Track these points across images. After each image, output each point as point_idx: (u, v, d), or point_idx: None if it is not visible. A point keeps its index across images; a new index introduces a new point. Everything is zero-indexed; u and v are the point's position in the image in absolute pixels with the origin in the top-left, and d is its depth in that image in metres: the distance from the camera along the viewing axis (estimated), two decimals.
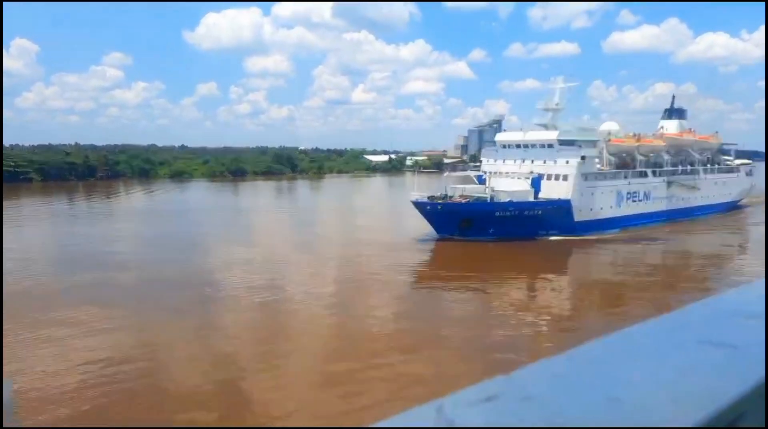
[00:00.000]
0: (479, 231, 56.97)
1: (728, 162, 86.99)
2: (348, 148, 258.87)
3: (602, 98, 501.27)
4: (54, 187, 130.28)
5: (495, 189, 60.08)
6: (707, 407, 1.17)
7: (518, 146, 65.87)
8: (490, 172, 66.85)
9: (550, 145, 62.89)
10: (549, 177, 62.06)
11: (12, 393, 0.98)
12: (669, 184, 72.45)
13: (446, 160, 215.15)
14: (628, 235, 64.01)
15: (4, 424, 0.90)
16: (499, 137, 68.63)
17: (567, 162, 61.56)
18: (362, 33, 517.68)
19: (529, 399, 1.21)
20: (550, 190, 60.96)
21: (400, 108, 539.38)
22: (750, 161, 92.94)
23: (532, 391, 1.24)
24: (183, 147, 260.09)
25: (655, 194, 70.69)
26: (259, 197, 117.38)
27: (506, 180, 62.80)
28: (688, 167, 76.88)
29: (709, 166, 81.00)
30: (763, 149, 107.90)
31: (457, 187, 62.38)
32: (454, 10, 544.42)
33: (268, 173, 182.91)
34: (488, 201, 58.27)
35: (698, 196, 77.25)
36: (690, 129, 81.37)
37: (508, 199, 58.03)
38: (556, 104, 66.87)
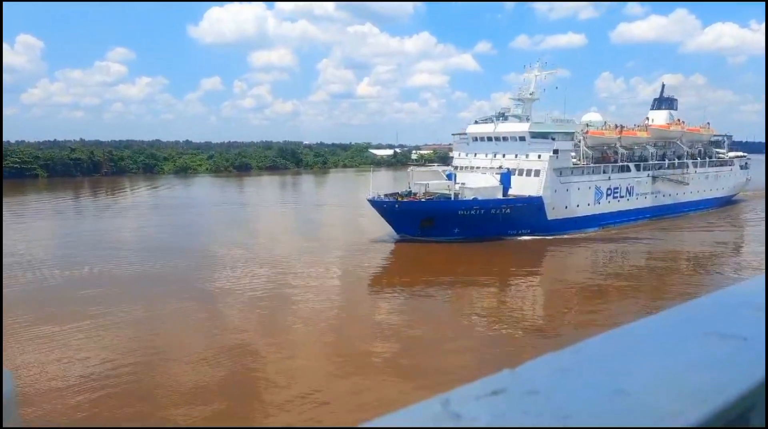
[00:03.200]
0: (442, 231, 49.80)
1: (720, 155, 77.87)
2: (353, 143, 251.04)
3: (610, 90, 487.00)
4: (59, 184, 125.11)
5: (462, 185, 52.66)
6: (715, 400, 1.11)
7: (490, 139, 58.16)
8: (461, 167, 59.36)
9: (522, 138, 55.19)
10: (520, 172, 54.41)
11: (13, 385, 0.89)
12: (654, 178, 64.11)
13: (451, 154, 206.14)
14: (608, 233, 56.60)
15: (6, 421, 0.91)
16: (470, 129, 60.84)
17: (539, 156, 53.97)
18: (366, 25, 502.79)
19: (534, 393, 1.16)
20: (521, 187, 53.41)
21: (405, 102, 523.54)
22: (745, 154, 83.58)
23: (537, 385, 1.19)
24: (187, 142, 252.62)
25: (639, 190, 62.49)
26: (262, 193, 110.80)
27: (475, 175, 55.36)
28: (676, 161, 68.23)
29: (699, 159, 72.10)
30: None
31: (423, 184, 55.01)
32: (458, 2, 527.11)
33: (272, 168, 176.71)
34: (452, 199, 50.78)
35: (687, 191, 68.74)
36: (678, 120, 72.44)
37: (472, 197, 50.51)
38: (531, 94, 58.85)
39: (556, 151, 53.68)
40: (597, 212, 58.02)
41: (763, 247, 45.03)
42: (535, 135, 54.82)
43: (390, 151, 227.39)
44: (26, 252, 45.96)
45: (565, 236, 53.86)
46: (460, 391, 1.13)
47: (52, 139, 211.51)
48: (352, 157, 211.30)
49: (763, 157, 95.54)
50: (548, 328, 29.44)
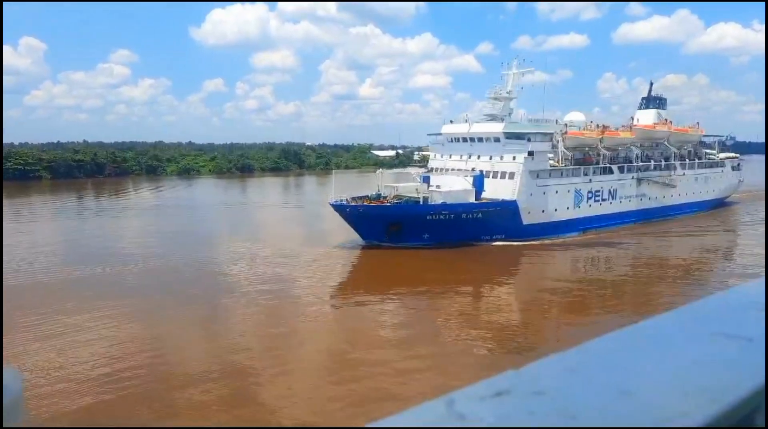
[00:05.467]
0: (411, 236, 45.55)
1: (711, 156, 72.31)
2: (355, 144, 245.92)
3: (612, 91, 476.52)
4: (63, 185, 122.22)
5: (432, 188, 48.37)
6: (721, 400, 1.08)
7: (465, 140, 53.70)
8: (436, 169, 54.96)
9: (497, 139, 50.64)
10: (495, 175, 49.89)
11: (20, 384, 1.00)
12: (639, 181, 59.06)
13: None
14: (588, 239, 52.00)
15: (13, 421, 0.95)
16: (445, 129, 56.39)
17: (513, 158, 49.44)
18: (368, 27, 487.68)
19: (540, 393, 1.12)
20: (495, 190, 49.00)
21: (408, 103, 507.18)
22: (737, 155, 77.90)
23: (543, 386, 1.16)
24: (190, 143, 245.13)
25: (623, 193, 57.58)
26: (264, 195, 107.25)
27: (448, 178, 50.98)
28: (663, 162, 63.02)
29: (687, 160, 66.77)
30: None
31: (392, 187, 50.78)
32: (460, 3, 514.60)
33: (275, 169, 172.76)
34: (420, 202, 46.41)
35: (675, 193, 63.57)
36: (666, 119, 67.10)
37: (441, 201, 46.12)
38: (508, 92, 54.16)
39: (531, 153, 49.08)
40: (577, 216, 53.35)
41: (763, 250, 41.46)
42: (509, 136, 50.35)
43: (392, 152, 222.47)
44: (27, 258, 42.67)
45: (543, 241, 49.42)
46: (465, 392, 1.09)
47: (55, 141, 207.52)
48: (355, 158, 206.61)
49: (758, 157, 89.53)
50: (528, 345, 25.88)
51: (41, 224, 63.07)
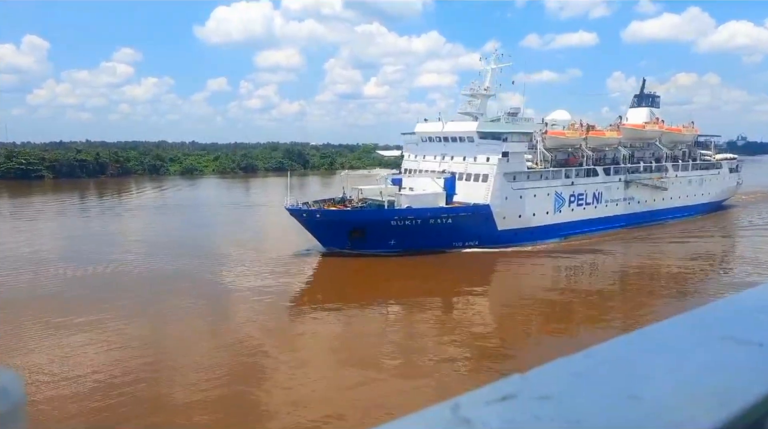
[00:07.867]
0: (376, 242, 41.30)
1: (706, 157, 66.48)
2: (360, 143, 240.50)
3: (622, 89, 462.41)
4: (65, 185, 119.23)
5: (398, 192, 43.91)
6: (730, 406, 1.04)
7: (439, 140, 49.04)
8: (409, 170, 50.39)
9: (471, 139, 45.87)
10: (468, 177, 45.26)
11: (22, 389, 0.84)
12: (627, 183, 53.76)
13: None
14: (570, 245, 47.22)
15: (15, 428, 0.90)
16: (419, 128, 51.77)
17: (487, 159, 44.71)
18: (374, 25, 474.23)
19: (546, 398, 1.08)
20: (468, 193, 44.48)
21: (413, 101, 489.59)
22: (735, 156, 71.98)
23: (549, 390, 1.11)
24: (193, 143, 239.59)
25: (609, 196, 52.45)
26: (266, 195, 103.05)
27: (420, 180, 46.55)
28: (653, 164, 57.55)
29: (681, 161, 61.17)
30: None
31: (358, 189, 46.34)
32: (468, 0, 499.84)
33: (279, 169, 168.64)
34: (385, 207, 41.86)
35: (666, 196, 58.14)
36: (657, 118, 61.50)
37: (407, 205, 41.54)
38: (486, 89, 49.30)
39: (506, 154, 44.29)
40: (558, 221, 48.49)
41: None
42: (484, 135, 45.69)
43: (397, 152, 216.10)
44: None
45: (524, 248, 44.84)
46: (470, 396, 1.05)
47: (57, 140, 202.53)
48: (359, 158, 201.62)
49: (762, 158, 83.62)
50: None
51: (41, 223, 60.14)
